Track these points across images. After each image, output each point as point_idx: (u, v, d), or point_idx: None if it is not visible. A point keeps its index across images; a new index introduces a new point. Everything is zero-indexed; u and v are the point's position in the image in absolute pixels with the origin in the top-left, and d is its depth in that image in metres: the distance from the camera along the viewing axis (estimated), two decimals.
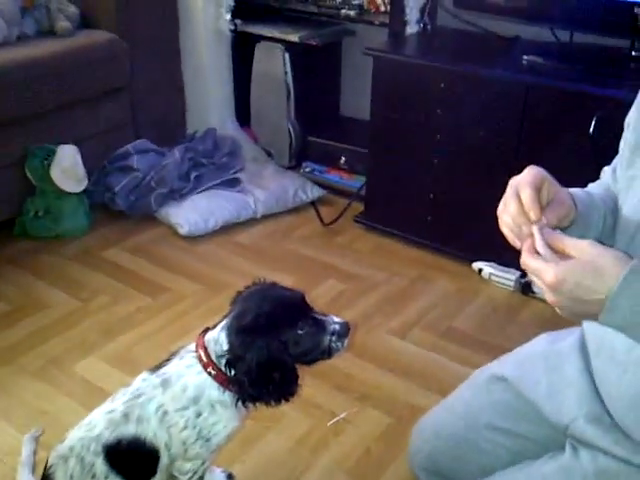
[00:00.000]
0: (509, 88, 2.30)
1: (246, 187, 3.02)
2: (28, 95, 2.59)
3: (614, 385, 1.23)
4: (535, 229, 1.04)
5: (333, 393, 1.99)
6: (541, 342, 1.49)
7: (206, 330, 1.37)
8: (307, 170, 3.26)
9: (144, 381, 1.37)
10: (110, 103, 2.96)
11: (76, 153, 2.72)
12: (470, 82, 2.39)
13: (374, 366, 2.10)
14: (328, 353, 1.32)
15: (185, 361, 1.35)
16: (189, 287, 2.50)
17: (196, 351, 1.34)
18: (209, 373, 1.31)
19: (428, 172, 2.59)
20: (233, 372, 1.28)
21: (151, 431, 1.34)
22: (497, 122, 2.36)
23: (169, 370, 1.36)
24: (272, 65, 3.18)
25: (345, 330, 1.33)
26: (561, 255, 0.99)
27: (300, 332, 1.29)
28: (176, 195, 2.91)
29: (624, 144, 1.22)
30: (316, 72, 3.30)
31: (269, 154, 3.36)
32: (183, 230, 2.79)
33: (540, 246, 1.01)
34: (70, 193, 2.75)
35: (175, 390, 1.33)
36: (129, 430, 1.34)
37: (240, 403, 1.33)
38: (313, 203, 3.05)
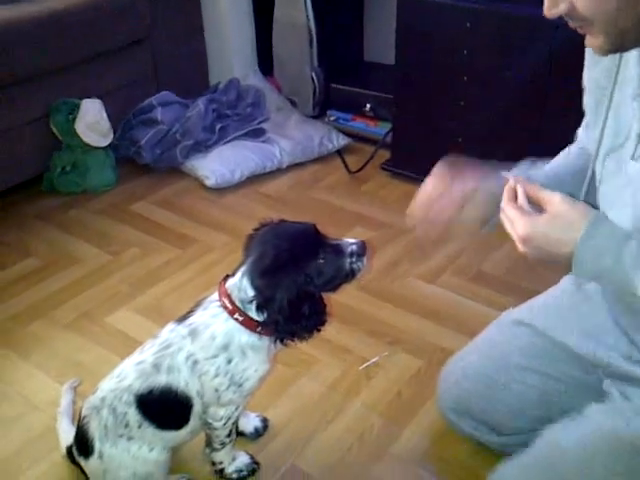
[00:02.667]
0: (537, 26, 2.23)
1: (271, 137, 3.00)
2: (50, 49, 2.59)
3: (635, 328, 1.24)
4: (516, 182, 1.10)
5: (364, 338, 2.00)
6: (567, 286, 1.48)
7: (226, 278, 1.37)
8: (332, 118, 3.22)
9: (172, 332, 1.38)
10: (132, 55, 2.94)
11: (100, 107, 2.72)
12: (496, 21, 2.32)
13: (404, 311, 2.11)
14: (352, 275, 1.33)
15: (210, 311, 1.35)
16: (217, 238, 2.51)
17: (219, 300, 1.34)
18: (236, 319, 1.32)
19: (455, 115, 2.54)
20: (265, 314, 1.28)
21: (182, 380, 1.35)
22: (525, 61, 2.30)
23: (196, 320, 1.36)
24: (293, 11, 3.12)
25: (363, 249, 1.33)
26: (537, 207, 1.06)
27: (321, 261, 1.29)
28: (201, 147, 2.90)
29: (586, 107, 1.26)
30: (338, 17, 3.24)
31: (293, 103, 3.32)
32: (209, 182, 2.78)
33: (520, 196, 1.08)
34: (96, 148, 2.75)
35: (204, 339, 1.34)
36: (160, 380, 1.35)
37: (277, 343, 1.34)
38: (339, 152, 3.03)
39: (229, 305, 1.32)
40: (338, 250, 1.32)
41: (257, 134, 3.01)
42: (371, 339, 2.00)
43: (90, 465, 1.44)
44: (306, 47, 3.16)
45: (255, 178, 2.88)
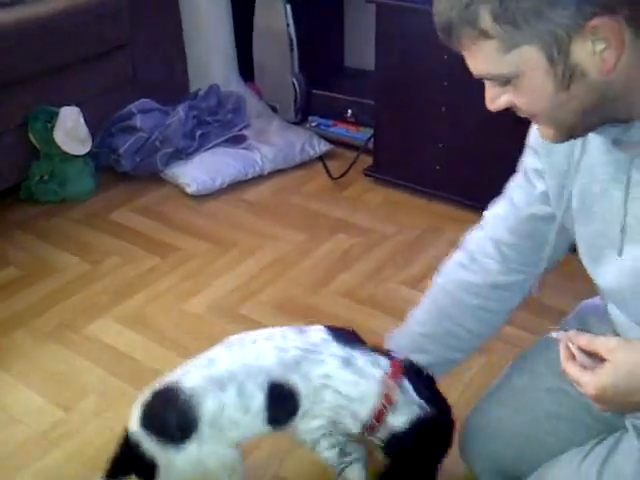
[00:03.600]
0: None
1: (252, 144, 2.99)
2: (28, 55, 2.55)
3: None
4: (568, 341, 1.03)
5: None
6: None
7: (403, 366, 1.32)
8: (313, 124, 3.21)
9: (325, 344, 1.30)
10: (111, 62, 2.92)
11: (79, 114, 2.69)
12: None
13: (386, 316, 2.09)
14: None
15: (372, 371, 1.29)
16: (198, 246, 2.49)
17: (388, 377, 1.28)
18: (382, 404, 1.27)
19: (436, 121, 2.54)
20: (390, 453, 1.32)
21: (305, 389, 1.26)
22: None
23: (358, 359, 1.29)
24: (274, 17, 3.12)
25: None
26: (596, 357, 0.99)
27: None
28: (182, 154, 2.88)
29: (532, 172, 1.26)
30: (319, 23, 3.24)
31: (274, 109, 3.32)
32: (190, 189, 2.77)
33: (576, 353, 1.01)
34: (75, 156, 2.72)
35: (351, 377, 1.27)
36: (294, 378, 1.25)
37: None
38: (320, 158, 3.02)
39: (389, 394, 1.27)
40: None
41: (238, 141, 3.00)
42: None
43: (183, 453, 1.24)
44: (287, 53, 3.16)
45: (236, 185, 2.86)
